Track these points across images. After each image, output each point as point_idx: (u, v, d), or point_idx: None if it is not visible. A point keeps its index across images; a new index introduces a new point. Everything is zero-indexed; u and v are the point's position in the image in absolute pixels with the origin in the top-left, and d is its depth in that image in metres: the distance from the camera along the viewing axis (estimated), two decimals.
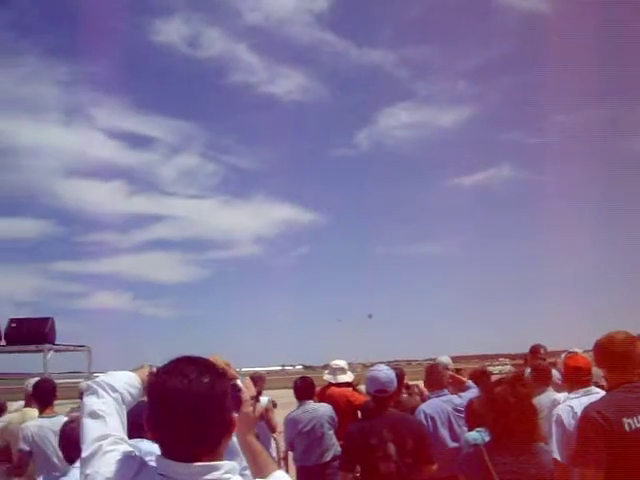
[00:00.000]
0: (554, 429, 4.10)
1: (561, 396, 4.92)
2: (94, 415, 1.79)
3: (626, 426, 3.22)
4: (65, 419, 4.90)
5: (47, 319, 10.90)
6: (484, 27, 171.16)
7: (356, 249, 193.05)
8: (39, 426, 5.74)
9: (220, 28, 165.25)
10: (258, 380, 7.38)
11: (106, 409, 1.81)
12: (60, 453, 4.28)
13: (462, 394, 5.67)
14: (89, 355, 11.62)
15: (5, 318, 10.92)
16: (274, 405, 8.12)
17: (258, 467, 1.93)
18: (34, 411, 6.24)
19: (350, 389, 7.21)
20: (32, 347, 10.56)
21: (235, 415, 1.73)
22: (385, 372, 4.55)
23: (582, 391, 4.37)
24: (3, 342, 10.70)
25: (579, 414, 3.52)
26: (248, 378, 2.05)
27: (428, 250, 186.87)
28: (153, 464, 1.68)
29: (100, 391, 1.86)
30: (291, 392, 6.77)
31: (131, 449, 1.75)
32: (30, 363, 11.19)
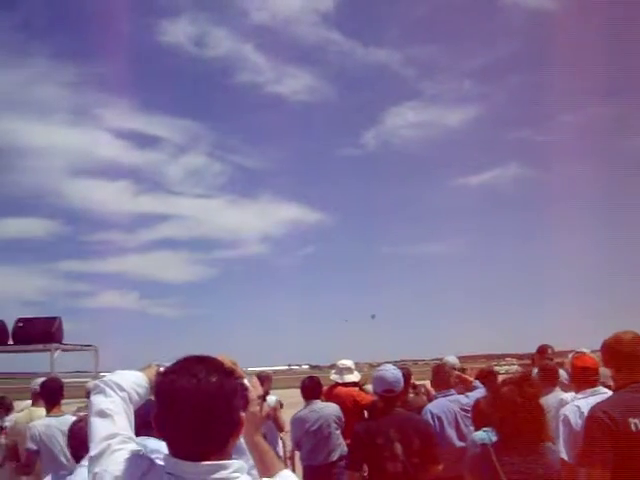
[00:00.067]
0: (561, 429, 4.09)
1: (568, 396, 4.91)
2: (102, 414, 1.79)
3: (632, 426, 3.21)
4: (72, 418, 4.91)
5: (54, 318, 10.92)
6: (490, 26, 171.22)
7: (363, 249, 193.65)
8: (46, 425, 5.76)
9: (226, 28, 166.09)
10: (265, 380, 7.40)
11: (114, 408, 1.80)
12: (68, 452, 4.29)
13: (469, 394, 5.68)
14: (96, 354, 11.63)
15: (13, 317, 10.96)
16: (281, 405, 8.13)
17: (265, 466, 1.93)
18: (41, 410, 6.26)
19: (357, 389, 7.21)
20: (39, 346, 10.58)
21: (243, 414, 1.73)
22: (392, 372, 4.55)
23: (589, 391, 4.36)
24: (11, 341, 10.73)
25: (586, 414, 3.51)
26: (255, 377, 2.05)
27: (435, 250, 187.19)
28: (160, 462, 1.68)
29: (108, 390, 1.86)
30: (298, 392, 6.77)
31: (139, 448, 1.76)
32: (37, 362, 11.22)
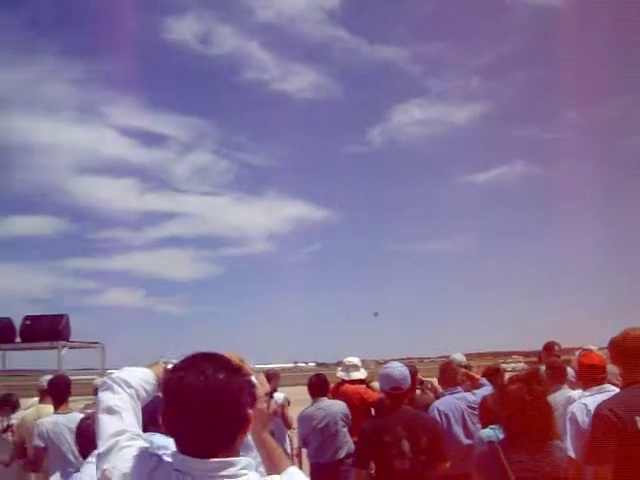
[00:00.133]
0: (568, 427, 4.08)
1: (576, 394, 4.89)
2: (110, 411, 1.79)
3: (639, 424, 3.20)
4: (80, 416, 4.93)
5: (62, 316, 10.95)
6: (497, 23, 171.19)
7: (368, 246, 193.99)
8: (54, 422, 5.78)
9: (232, 25, 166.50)
10: (273, 377, 7.41)
11: (122, 405, 1.81)
12: (75, 449, 4.31)
13: (476, 391, 5.67)
14: (102, 352, 11.66)
15: (20, 315, 11.00)
16: (288, 402, 8.14)
17: (272, 463, 1.93)
18: (49, 407, 6.28)
19: (363, 386, 7.22)
20: (47, 344, 10.61)
21: (250, 411, 1.73)
22: (399, 369, 4.54)
23: (596, 389, 4.34)
24: (18, 339, 10.77)
25: (593, 412, 3.50)
26: (262, 375, 2.05)
27: (441, 247, 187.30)
28: (168, 459, 1.69)
29: (115, 387, 1.86)
30: (304, 389, 6.78)
31: (147, 445, 1.76)
32: (44, 360, 11.25)
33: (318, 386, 6.60)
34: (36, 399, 7.23)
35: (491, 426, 4.00)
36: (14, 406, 7.43)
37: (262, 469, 1.91)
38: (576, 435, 3.97)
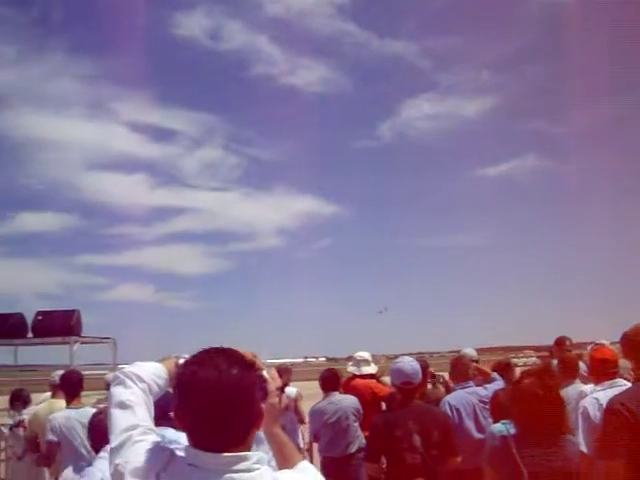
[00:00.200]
0: (580, 421, 4.08)
1: (588, 388, 4.88)
2: (122, 405, 1.79)
3: None
4: (92, 410, 4.96)
5: (73, 311, 11.02)
6: (507, 17, 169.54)
7: (379, 241, 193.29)
8: (67, 417, 5.81)
9: (241, 20, 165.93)
10: (284, 372, 7.43)
11: (134, 399, 1.81)
12: (88, 444, 4.33)
13: (487, 386, 5.66)
14: (114, 347, 11.74)
15: (31, 311, 11.08)
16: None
17: (284, 457, 1.93)
18: (61, 402, 6.31)
19: (374, 381, 7.22)
20: (59, 339, 10.69)
21: (263, 406, 1.73)
22: (410, 364, 4.54)
23: (608, 383, 4.33)
24: (30, 334, 10.84)
25: (604, 406, 3.49)
26: (274, 369, 2.05)
27: (452, 242, 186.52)
28: (181, 453, 1.69)
29: (127, 381, 1.86)
30: (315, 384, 6.79)
31: (160, 439, 1.76)
32: (56, 355, 11.33)
33: (330, 381, 6.61)
34: (48, 394, 7.27)
35: (503, 420, 4.00)
36: (25, 401, 7.49)
37: (274, 463, 1.91)
38: (588, 430, 3.96)
